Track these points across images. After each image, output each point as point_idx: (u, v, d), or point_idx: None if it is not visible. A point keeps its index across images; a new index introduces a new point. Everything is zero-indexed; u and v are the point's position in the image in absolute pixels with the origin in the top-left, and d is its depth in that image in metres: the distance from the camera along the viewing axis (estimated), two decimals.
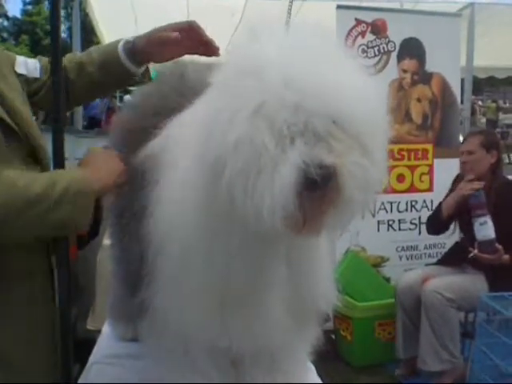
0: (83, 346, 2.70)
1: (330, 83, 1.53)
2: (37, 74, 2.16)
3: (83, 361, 2.52)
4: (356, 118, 1.55)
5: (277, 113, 1.49)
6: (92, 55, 2.23)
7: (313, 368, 2.29)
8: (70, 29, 8.35)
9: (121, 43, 2.20)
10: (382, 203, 5.36)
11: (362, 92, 1.58)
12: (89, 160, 2.01)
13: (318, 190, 1.50)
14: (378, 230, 5.44)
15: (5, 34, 40.27)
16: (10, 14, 42.59)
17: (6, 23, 42.41)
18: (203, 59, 2.26)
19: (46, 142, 2.01)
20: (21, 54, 2.20)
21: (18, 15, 42.44)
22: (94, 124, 15.06)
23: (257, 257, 1.73)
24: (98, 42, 10.82)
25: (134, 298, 2.02)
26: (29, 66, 2.15)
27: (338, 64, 1.61)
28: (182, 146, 1.87)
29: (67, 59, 2.21)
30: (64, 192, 1.77)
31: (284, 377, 2.03)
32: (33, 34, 37.96)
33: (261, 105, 1.50)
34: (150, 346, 2.10)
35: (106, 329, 2.79)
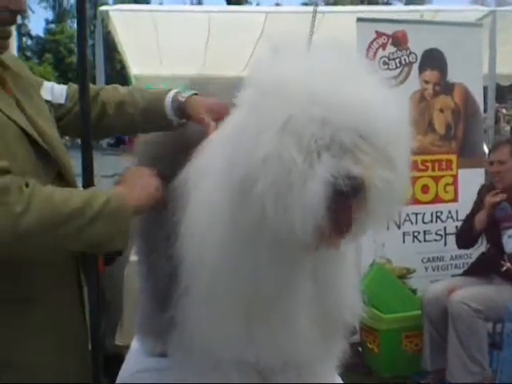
0: (112, 361, 2.72)
1: (355, 98, 1.57)
2: (62, 101, 2.19)
3: (112, 376, 2.54)
4: (381, 131, 1.58)
5: (304, 127, 1.52)
6: (135, 98, 2.25)
7: (340, 380, 2.29)
8: (92, 46, 8.44)
9: (169, 97, 2.22)
10: (407, 214, 5.34)
11: (386, 106, 1.61)
12: (125, 177, 2.02)
13: (347, 200, 1.53)
14: (404, 241, 5.42)
15: (28, 53, 40.66)
16: (33, 32, 43.17)
17: (29, 42, 42.92)
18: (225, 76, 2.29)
19: (70, 160, 2.04)
20: (44, 73, 2.24)
21: (41, 34, 42.98)
22: (119, 141, 15.12)
23: (283, 272, 1.75)
24: (121, 59, 10.94)
25: (163, 314, 2.04)
26: (55, 91, 2.18)
27: (360, 79, 1.64)
28: (209, 166, 1.89)
29: (107, 94, 2.25)
30: (101, 209, 1.78)
31: None
32: (56, 53, 38.32)
33: (288, 120, 1.53)
34: (179, 360, 2.12)
35: (134, 344, 2.82)
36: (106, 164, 6.20)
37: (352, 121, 1.54)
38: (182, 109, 2.20)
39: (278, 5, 26.20)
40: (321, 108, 1.52)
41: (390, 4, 37.87)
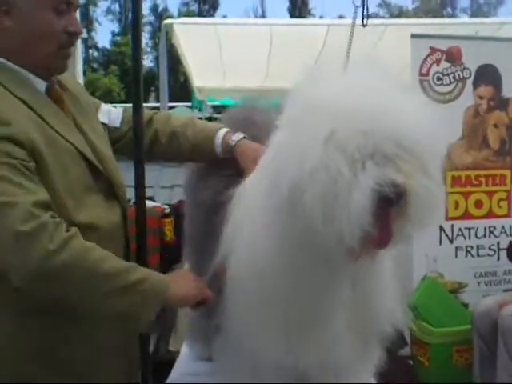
0: (164, 366, 2.82)
1: (392, 111, 1.66)
2: (117, 124, 2.28)
3: (164, 382, 2.61)
4: (418, 141, 1.66)
5: (348, 140, 1.60)
6: (187, 132, 2.31)
7: None
8: (156, 58, 8.63)
9: (219, 137, 2.28)
10: (460, 229, 5.28)
11: (420, 118, 1.69)
12: (174, 274, 2.13)
13: (390, 208, 1.62)
14: (456, 256, 5.35)
15: (95, 65, 41.23)
16: (100, 44, 43.87)
17: (95, 54, 43.62)
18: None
19: (122, 178, 2.13)
20: (110, 84, 2.35)
21: (108, 46, 43.56)
22: None
23: (323, 279, 1.83)
24: (184, 71, 11.12)
25: (210, 320, 2.13)
26: (111, 115, 2.28)
27: (397, 94, 1.73)
28: (253, 184, 2.00)
29: (161, 121, 2.33)
30: (134, 284, 1.79)
31: None
32: (122, 64, 38.75)
33: (331, 134, 1.61)
34: (222, 365, 2.21)
35: (184, 349, 2.89)
36: (164, 175, 6.33)
37: (392, 132, 1.62)
38: (230, 151, 2.25)
39: (341, 17, 26.06)
40: (362, 122, 1.61)
41: (456, 16, 37.31)
